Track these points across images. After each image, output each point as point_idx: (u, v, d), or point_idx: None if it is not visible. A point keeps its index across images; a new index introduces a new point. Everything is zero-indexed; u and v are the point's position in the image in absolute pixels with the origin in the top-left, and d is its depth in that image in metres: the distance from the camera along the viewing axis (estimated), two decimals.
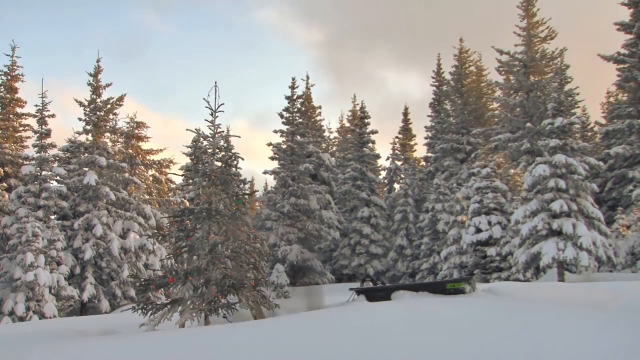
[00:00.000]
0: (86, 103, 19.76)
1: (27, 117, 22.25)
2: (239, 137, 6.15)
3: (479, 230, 20.05)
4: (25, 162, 20.07)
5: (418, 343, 3.34)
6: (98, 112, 19.56)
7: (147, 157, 25.53)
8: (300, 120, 31.95)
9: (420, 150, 42.10)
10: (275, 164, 31.02)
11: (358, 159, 32.20)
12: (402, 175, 33.45)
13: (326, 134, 41.21)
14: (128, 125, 24.20)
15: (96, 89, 19.84)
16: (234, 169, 7.26)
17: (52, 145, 18.36)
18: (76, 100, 19.94)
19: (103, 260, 17.57)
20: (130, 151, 22.29)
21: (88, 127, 19.56)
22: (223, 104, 6.42)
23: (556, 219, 16.32)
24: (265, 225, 28.79)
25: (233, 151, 7.07)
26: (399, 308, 5.18)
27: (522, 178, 18.72)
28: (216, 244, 5.90)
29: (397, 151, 38.68)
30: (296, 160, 30.33)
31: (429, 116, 36.38)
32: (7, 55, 22.28)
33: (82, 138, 20.04)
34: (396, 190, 34.69)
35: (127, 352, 3.36)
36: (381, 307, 5.25)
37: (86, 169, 18.61)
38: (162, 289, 5.96)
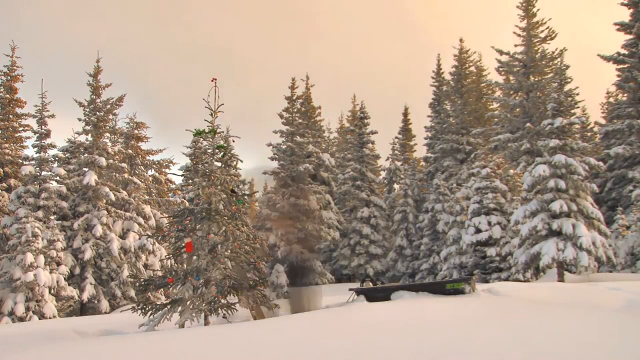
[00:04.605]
0: (86, 103, 19.77)
1: (26, 117, 22.27)
2: (239, 137, 6.08)
3: (478, 231, 20.05)
4: (24, 163, 20.07)
5: (418, 343, 3.34)
6: (98, 113, 19.56)
7: (147, 158, 25.53)
8: (300, 120, 31.98)
9: (420, 151, 42.00)
10: (274, 165, 31.05)
11: (358, 159, 32.20)
12: (402, 176, 33.45)
13: (326, 134, 41.21)
14: (127, 126, 24.20)
15: (96, 89, 19.84)
16: (233, 170, 7.26)
17: (52, 146, 18.37)
18: (76, 101, 19.95)
19: (103, 260, 17.56)
20: (130, 151, 22.28)
21: (88, 128, 19.56)
22: (223, 104, 6.41)
23: (556, 219, 16.33)
24: (265, 225, 28.80)
25: (232, 152, 7.08)
26: (398, 308, 5.17)
27: (522, 178, 18.72)
28: (216, 244, 5.89)
29: (396, 151, 38.67)
30: (296, 161, 30.34)
31: (428, 116, 36.37)
32: (6, 55, 22.31)
33: (82, 138, 20.06)
34: (396, 191, 34.69)
35: (127, 352, 3.36)
36: (381, 308, 5.25)
37: (86, 169, 18.60)
38: (161, 289, 5.95)
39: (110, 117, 20.98)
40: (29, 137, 22.56)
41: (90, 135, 19.55)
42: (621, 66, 26.17)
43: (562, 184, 16.29)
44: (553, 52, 29.36)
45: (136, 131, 24.51)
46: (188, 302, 5.61)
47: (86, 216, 17.66)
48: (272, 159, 31.09)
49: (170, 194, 26.40)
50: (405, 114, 41.38)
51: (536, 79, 29.51)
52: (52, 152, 18.81)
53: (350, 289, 7.21)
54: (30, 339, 4.92)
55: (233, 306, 5.77)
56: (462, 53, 35.69)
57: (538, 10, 29.89)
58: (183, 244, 5.91)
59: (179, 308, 5.65)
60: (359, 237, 30.46)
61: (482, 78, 36.29)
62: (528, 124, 26.56)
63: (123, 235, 18.44)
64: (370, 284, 8.56)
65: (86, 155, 18.90)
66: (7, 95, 22.00)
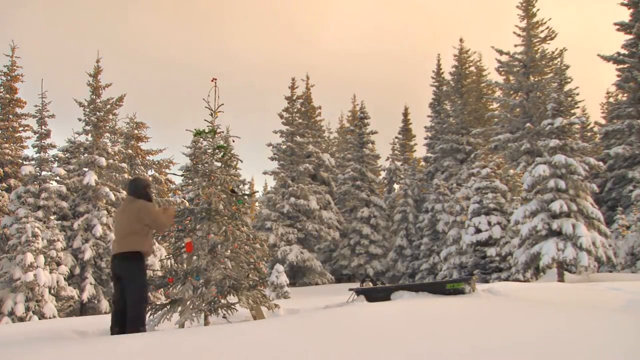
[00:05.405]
0: (86, 103, 19.78)
1: (26, 117, 22.26)
2: (239, 137, 6.03)
3: (478, 231, 20.06)
4: (24, 163, 20.07)
5: (418, 343, 3.34)
6: (98, 113, 19.56)
7: (147, 158, 25.52)
8: (300, 120, 32.00)
9: (420, 151, 42.01)
10: (274, 165, 31.08)
11: (358, 159, 32.22)
12: (402, 176, 33.46)
13: (326, 134, 41.21)
14: (128, 126, 24.19)
15: (96, 89, 19.85)
16: (233, 170, 7.26)
17: (52, 146, 18.38)
18: (76, 101, 19.96)
19: (103, 260, 17.57)
20: (130, 151, 22.27)
21: (88, 128, 19.57)
22: (223, 104, 6.41)
23: (556, 219, 16.33)
24: (265, 225, 28.82)
25: (232, 152, 7.08)
26: (398, 308, 5.17)
27: (522, 178, 18.73)
28: (216, 244, 5.89)
29: (396, 151, 38.69)
30: (296, 161, 30.36)
31: (428, 116, 36.38)
32: (6, 55, 22.31)
33: (82, 138, 20.07)
34: (396, 191, 34.70)
35: (127, 352, 3.36)
36: (381, 308, 5.25)
37: (86, 169, 18.61)
38: (161, 289, 5.95)
39: (110, 117, 20.97)
40: (29, 137, 22.57)
41: (90, 135, 19.56)
42: (621, 66, 26.19)
43: (562, 184, 16.29)
44: (553, 52, 29.39)
45: (136, 131, 24.50)
46: (188, 302, 5.61)
47: (86, 216, 17.67)
48: (272, 159, 31.14)
49: (170, 194, 26.40)
50: (405, 114, 41.39)
51: (536, 79, 29.52)
52: (52, 152, 18.84)
53: (350, 289, 7.21)
54: (30, 339, 4.92)
55: (233, 306, 5.76)
56: (462, 53, 35.71)
57: (538, 10, 29.93)
58: (183, 244, 5.91)
59: (179, 308, 5.65)
60: (359, 237, 30.47)
61: (482, 78, 36.30)
62: (528, 124, 26.57)
63: None
64: (370, 284, 8.56)
65: (86, 155, 18.91)
66: (7, 95, 21.99)
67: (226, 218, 5.97)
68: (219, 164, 6.35)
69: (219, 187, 6.11)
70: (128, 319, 4.88)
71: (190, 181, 24.33)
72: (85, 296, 16.24)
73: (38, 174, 17.55)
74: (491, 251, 19.52)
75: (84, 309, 16.93)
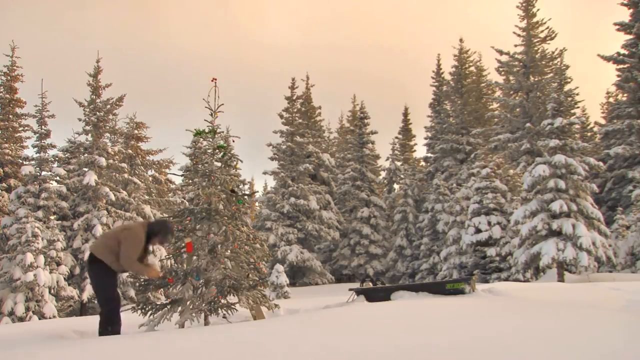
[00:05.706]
0: (86, 103, 19.77)
1: (26, 117, 22.25)
2: (239, 137, 6.00)
3: (478, 231, 20.06)
4: (24, 163, 20.06)
5: (417, 342, 3.34)
6: (98, 113, 19.56)
7: (147, 158, 25.51)
8: (300, 120, 32.00)
9: (420, 151, 42.04)
10: (274, 165, 31.08)
11: (358, 159, 32.22)
12: (402, 176, 33.46)
13: (326, 134, 41.21)
14: (128, 126, 24.18)
15: (96, 89, 19.85)
16: (233, 170, 7.26)
17: (52, 146, 18.37)
18: (76, 101, 19.96)
19: None
20: (130, 151, 22.26)
21: (88, 128, 19.57)
22: (223, 104, 6.40)
23: (556, 219, 16.33)
24: (265, 225, 28.82)
25: (232, 152, 7.10)
26: (398, 308, 5.18)
27: (522, 178, 18.73)
28: (216, 244, 5.89)
29: (396, 151, 38.68)
30: (296, 161, 30.36)
31: (428, 116, 36.39)
32: (6, 55, 22.29)
33: (82, 138, 20.05)
34: (396, 191, 34.70)
35: (127, 352, 3.36)
36: (381, 308, 5.26)
37: (86, 169, 18.60)
38: (161, 289, 5.95)
39: (110, 117, 20.97)
40: (29, 137, 22.54)
41: (90, 135, 19.55)
42: (621, 66, 26.19)
43: (562, 184, 16.29)
44: (553, 52, 29.40)
45: (136, 131, 24.49)
46: (188, 302, 5.61)
47: (86, 216, 17.66)
48: (272, 159, 31.14)
49: (170, 194, 26.39)
50: (405, 114, 41.40)
51: (536, 79, 29.54)
52: (52, 152, 18.82)
53: (350, 289, 7.21)
54: (30, 339, 4.92)
55: (233, 306, 5.77)
56: (462, 53, 35.71)
57: (538, 10, 29.94)
58: (183, 244, 5.91)
59: (179, 308, 5.65)
60: (358, 237, 30.47)
61: (482, 78, 36.32)
62: (528, 124, 26.59)
63: None
64: (370, 284, 8.56)
65: (86, 155, 18.90)
66: (7, 95, 21.97)
67: (226, 218, 5.97)
68: (219, 164, 6.34)
69: (219, 187, 6.11)
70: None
71: (190, 181, 24.32)
72: (85, 296, 16.23)
73: (38, 174, 17.54)
74: (491, 251, 19.52)
75: (84, 309, 16.92)
